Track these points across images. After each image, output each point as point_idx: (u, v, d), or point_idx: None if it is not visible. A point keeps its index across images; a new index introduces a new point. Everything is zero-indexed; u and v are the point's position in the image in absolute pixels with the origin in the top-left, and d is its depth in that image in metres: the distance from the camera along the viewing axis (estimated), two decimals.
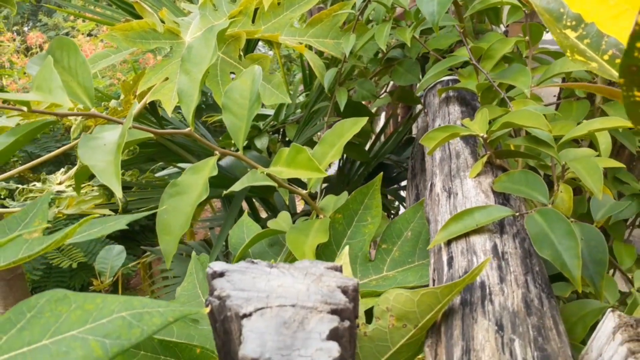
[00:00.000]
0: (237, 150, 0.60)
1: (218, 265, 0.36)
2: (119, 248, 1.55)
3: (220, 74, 0.85)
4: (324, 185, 1.45)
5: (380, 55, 1.05)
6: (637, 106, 0.27)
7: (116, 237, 2.58)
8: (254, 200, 1.41)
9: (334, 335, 0.30)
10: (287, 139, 1.30)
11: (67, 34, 4.76)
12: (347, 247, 0.48)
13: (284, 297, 0.32)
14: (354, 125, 0.63)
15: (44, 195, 0.45)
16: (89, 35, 3.96)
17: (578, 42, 0.40)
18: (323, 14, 0.96)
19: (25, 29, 4.38)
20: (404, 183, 1.46)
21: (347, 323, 0.31)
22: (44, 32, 4.65)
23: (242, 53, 0.86)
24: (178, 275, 1.62)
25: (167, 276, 1.76)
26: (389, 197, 1.50)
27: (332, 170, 1.58)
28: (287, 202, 0.99)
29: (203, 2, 0.95)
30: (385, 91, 1.40)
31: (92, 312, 0.30)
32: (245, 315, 0.31)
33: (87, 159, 0.42)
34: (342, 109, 0.95)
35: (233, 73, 0.86)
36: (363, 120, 0.63)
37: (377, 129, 1.66)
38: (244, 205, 1.45)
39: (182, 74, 0.54)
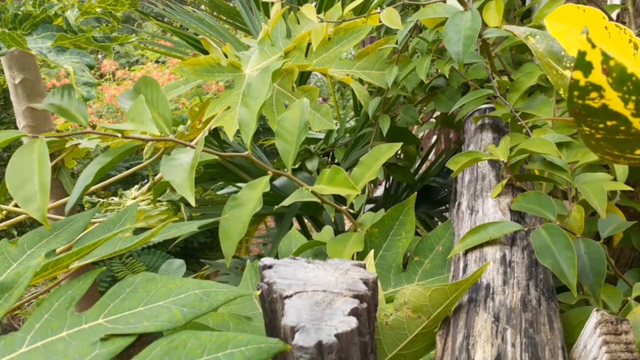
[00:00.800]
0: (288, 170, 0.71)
1: (268, 260, 0.45)
2: (179, 262, 1.69)
3: (275, 103, 0.97)
4: (371, 205, 1.54)
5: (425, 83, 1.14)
6: (589, 138, 0.35)
7: (176, 253, 2.76)
8: (304, 218, 1.51)
9: (354, 312, 0.39)
10: (336, 161, 1.40)
11: (136, 61, 5.13)
12: (372, 251, 0.57)
13: (317, 285, 0.42)
14: (389, 150, 0.72)
15: (132, 204, 0.57)
16: (157, 62, 4.26)
17: None
18: (369, 48, 1.07)
19: (100, 56, 4.76)
20: None
21: (365, 305, 0.40)
22: (116, 59, 5.03)
23: (295, 85, 0.98)
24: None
25: None
26: (435, 218, 1.57)
27: (379, 192, 1.66)
28: (333, 219, 1.08)
29: (262, 38, 1.08)
30: (432, 116, 1.48)
31: (174, 289, 0.41)
32: (287, 297, 0.41)
33: (167, 176, 0.53)
34: (384, 134, 1.04)
35: (286, 102, 0.97)
36: (397, 146, 0.72)
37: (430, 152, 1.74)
38: (296, 223, 1.56)
39: (242, 106, 0.66)
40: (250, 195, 0.61)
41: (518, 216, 0.60)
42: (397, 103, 1.27)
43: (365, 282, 0.42)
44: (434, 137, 2.23)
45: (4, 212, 0.80)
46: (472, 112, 1.01)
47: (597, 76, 0.30)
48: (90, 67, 0.61)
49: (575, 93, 0.31)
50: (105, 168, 0.57)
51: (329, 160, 1.46)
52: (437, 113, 1.44)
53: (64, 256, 0.41)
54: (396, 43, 1.02)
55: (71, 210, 0.64)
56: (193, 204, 0.50)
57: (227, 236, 0.59)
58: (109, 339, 0.37)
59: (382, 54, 1.07)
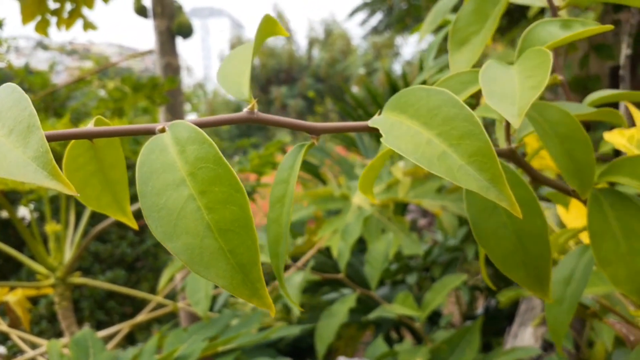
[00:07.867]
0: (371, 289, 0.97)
1: (343, 359, 0.72)
2: None
3: (374, 229, 1.25)
4: (468, 322, 1.71)
5: None
6: None
7: (286, 352, 3.04)
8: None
9: None
10: (434, 277, 1.63)
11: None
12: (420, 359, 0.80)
13: None
14: (456, 280, 0.96)
15: (258, 313, 0.86)
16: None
17: None
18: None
19: None
20: None
21: None
22: None
23: (392, 215, 1.26)
24: None
25: None
26: None
27: (480, 310, 1.82)
28: (420, 333, 1.30)
29: None
30: None
31: None
32: None
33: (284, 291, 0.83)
34: (469, 259, 1.26)
35: (384, 230, 1.25)
36: (463, 276, 0.96)
37: None
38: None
39: (341, 240, 0.95)
40: (340, 309, 0.89)
41: (547, 344, 0.80)
42: None
43: None
44: None
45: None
46: None
47: None
48: None
49: None
50: None
51: (428, 275, 1.69)
52: None
53: (218, 342, 0.71)
54: None
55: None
56: (297, 313, 0.78)
57: (321, 339, 0.86)
58: None
59: None
